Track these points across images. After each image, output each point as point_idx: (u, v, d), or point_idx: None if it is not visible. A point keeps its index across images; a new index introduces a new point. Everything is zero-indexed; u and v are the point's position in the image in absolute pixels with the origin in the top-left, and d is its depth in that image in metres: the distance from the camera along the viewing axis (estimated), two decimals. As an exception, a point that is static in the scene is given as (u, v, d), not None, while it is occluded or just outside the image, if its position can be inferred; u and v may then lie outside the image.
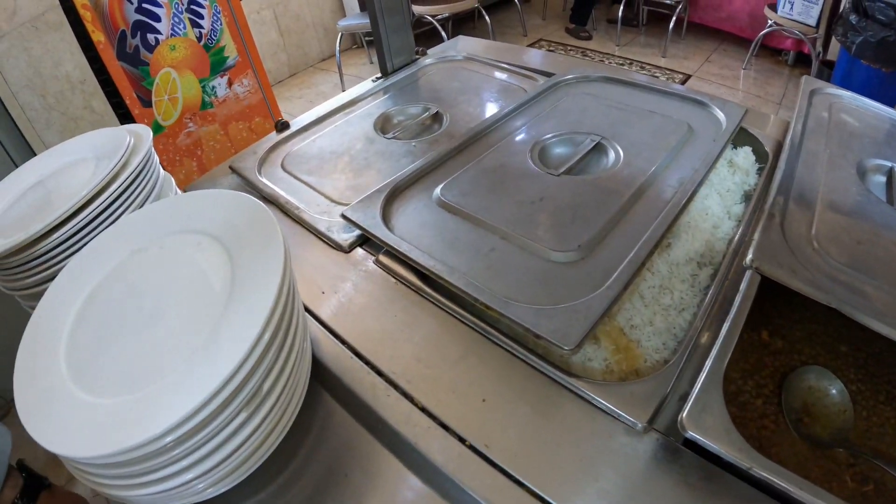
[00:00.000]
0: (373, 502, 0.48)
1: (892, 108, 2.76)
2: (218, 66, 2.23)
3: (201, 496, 0.48)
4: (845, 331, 0.61)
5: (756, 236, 0.60)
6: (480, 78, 1.10)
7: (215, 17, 2.18)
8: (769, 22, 3.70)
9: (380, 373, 0.57)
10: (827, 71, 3.06)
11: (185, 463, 0.44)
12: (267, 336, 0.45)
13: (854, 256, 0.59)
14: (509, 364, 0.56)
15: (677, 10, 4.02)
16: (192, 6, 2.10)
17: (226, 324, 0.46)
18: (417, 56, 1.24)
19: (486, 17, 3.88)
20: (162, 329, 0.48)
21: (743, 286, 0.57)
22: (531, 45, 4.23)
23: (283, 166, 0.89)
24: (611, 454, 0.47)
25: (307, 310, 0.65)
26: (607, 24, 4.42)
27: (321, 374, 0.59)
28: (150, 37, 1.98)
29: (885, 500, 0.49)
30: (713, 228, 0.67)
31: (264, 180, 0.85)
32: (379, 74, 1.19)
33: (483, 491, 0.46)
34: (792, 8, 3.53)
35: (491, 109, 0.97)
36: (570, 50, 4.14)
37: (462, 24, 4.34)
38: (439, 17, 3.75)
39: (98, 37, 1.83)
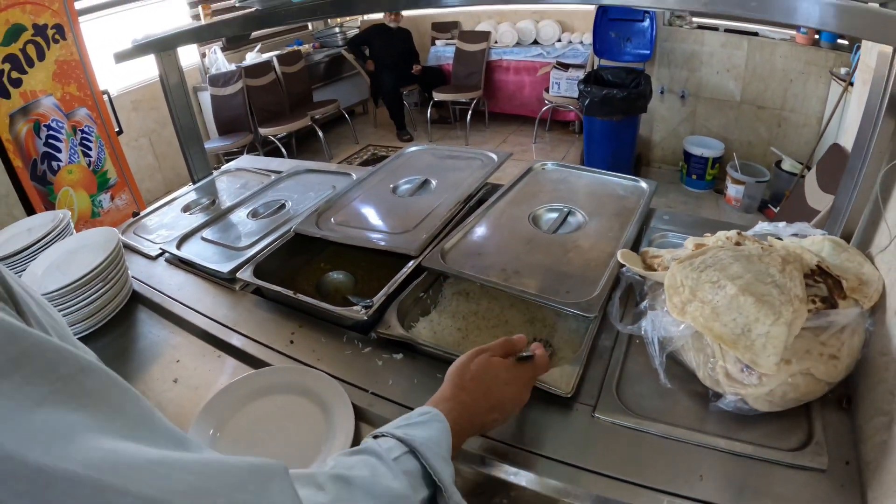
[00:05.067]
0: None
1: (631, 147, 3.80)
2: (103, 185, 3.03)
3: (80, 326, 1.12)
4: (363, 256, 1.33)
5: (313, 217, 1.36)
6: (239, 180, 1.90)
7: (100, 149, 2.97)
8: (546, 102, 4.89)
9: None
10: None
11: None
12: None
13: (356, 222, 1.36)
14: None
15: (472, 105, 5.16)
16: (84, 141, 2.92)
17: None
18: (217, 168, 2.03)
19: (320, 133, 4.83)
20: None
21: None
22: (360, 151, 5.21)
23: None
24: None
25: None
26: (427, 123, 5.48)
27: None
28: (54, 164, 2.74)
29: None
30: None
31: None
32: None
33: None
34: (560, 87, 4.67)
35: (238, 195, 1.72)
36: (391, 150, 5.17)
37: (305, 138, 5.25)
38: (280, 136, 4.65)
39: (17, 162, 2.57)
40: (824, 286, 0.88)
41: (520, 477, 0.75)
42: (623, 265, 1.03)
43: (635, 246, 1.15)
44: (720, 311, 0.82)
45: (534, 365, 0.75)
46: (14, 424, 0.28)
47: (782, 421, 0.82)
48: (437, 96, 5.15)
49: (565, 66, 4.52)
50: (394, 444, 0.51)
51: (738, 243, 0.98)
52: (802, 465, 0.74)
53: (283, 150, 4.59)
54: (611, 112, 3.54)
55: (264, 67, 4.86)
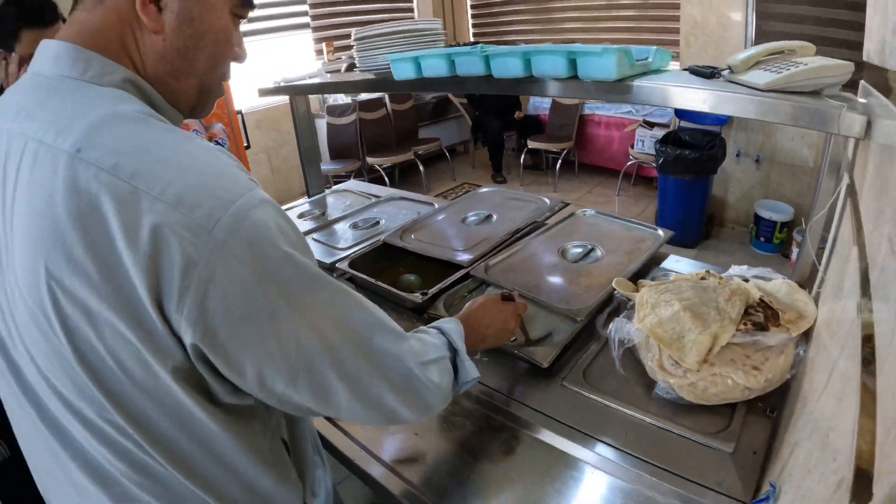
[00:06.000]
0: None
1: (701, 205, 4.02)
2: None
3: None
4: (430, 265, 1.73)
5: (398, 232, 1.80)
6: (346, 199, 2.40)
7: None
8: (631, 158, 5.13)
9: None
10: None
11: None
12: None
13: (430, 239, 1.79)
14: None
15: (563, 155, 5.50)
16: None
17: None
18: (327, 187, 2.56)
19: (421, 168, 5.39)
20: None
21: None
22: (456, 188, 5.71)
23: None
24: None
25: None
26: (520, 168, 5.85)
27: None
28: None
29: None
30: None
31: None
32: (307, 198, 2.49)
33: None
34: (644, 145, 4.87)
35: (343, 210, 2.21)
36: (482, 187, 5.61)
37: (407, 170, 5.84)
38: (385, 166, 5.26)
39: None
40: (762, 315, 1.16)
41: (499, 413, 1.10)
42: (615, 289, 1.35)
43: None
44: (664, 320, 1.13)
45: (515, 303, 1.11)
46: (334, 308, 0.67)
47: (710, 415, 1.06)
48: (532, 144, 5.53)
49: (651, 125, 4.74)
50: (431, 329, 0.92)
51: (703, 278, 1.27)
52: (711, 445, 0.98)
53: (386, 178, 5.18)
54: (683, 171, 3.72)
55: (377, 103, 5.49)
